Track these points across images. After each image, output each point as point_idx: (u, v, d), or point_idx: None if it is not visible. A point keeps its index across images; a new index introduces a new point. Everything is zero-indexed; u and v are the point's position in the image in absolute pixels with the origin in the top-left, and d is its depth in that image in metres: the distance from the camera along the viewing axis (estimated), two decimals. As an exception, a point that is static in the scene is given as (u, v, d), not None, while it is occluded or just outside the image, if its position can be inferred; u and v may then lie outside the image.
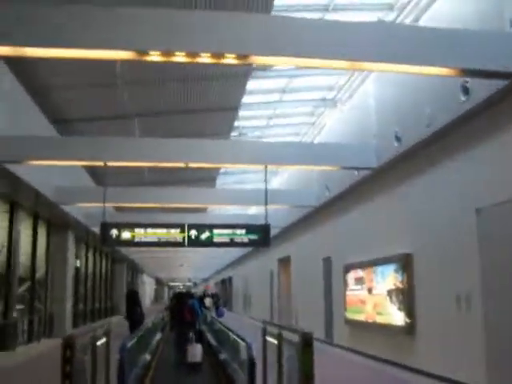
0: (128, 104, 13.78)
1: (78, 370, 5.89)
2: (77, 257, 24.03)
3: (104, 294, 31.90)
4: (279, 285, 24.71)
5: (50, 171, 14.21)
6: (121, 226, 11.26)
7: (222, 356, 11.86)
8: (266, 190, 11.56)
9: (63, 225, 19.38)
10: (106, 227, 11.10)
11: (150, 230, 11.37)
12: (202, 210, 22.18)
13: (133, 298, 17.73)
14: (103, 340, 7.52)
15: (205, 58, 6.35)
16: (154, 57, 6.20)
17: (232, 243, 11.74)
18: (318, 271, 17.35)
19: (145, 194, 15.49)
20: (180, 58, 6.30)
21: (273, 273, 26.22)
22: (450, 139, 9.25)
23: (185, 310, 14.61)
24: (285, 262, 23.61)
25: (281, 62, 7.44)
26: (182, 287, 79.32)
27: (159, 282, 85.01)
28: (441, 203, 9.71)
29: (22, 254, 16.62)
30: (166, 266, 52.81)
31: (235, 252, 35.03)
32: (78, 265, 24.30)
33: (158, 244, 11.60)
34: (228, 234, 11.58)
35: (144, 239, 11.35)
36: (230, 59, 6.36)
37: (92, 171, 17.73)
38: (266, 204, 11.26)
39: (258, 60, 6.70)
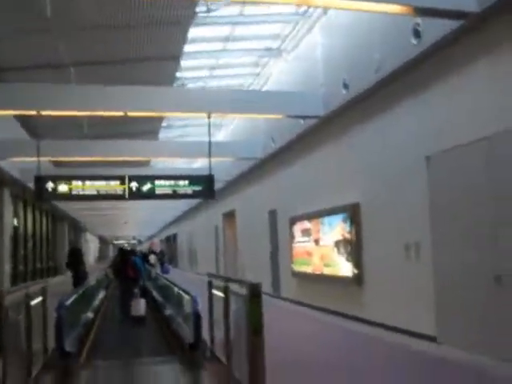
0: (63, 52, 12.96)
1: (11, 330, 5.46)
2: (15, 215, 23.10)
3: (45, 254, 31.00)
4: (224, 240, 24.48)
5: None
6: (57, 179, 10.60)
7: (167, 312, 11.57)
8: (210, 140, 11.09)
9: (-3, 181, 18.48)
10: (40, 180, 10.43)
11: (88, 183, 10.72)
12: (145, 164, 21.53)
13: (76, 256, 18.17)
14: (39, 299, 7.07)
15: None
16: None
17: (175, 195, 11.21)
18: (264, 225, 17.13)
19: (84, 148, 14.82)
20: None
21: (218, 228, 25.94)
22: (399, 85, 8.97)
23: (128, 266, 14.86)
24: (230, 216, 23.33)
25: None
26: (126, 245, 78.61)
27: (103, 241, 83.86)
28: (390, 151, 9.49)
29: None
30: (109, 223, 51.96)
31: (179, 208, 34.54)
32: (17, 224, 23.36)
33: (97, 197, 10.97)
34: (171, 186, 11.05)
35: (82, 192, 10.71)
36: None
37: (26, 124, 16.84)
38: (209, 154, 10.79)
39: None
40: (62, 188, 10.52)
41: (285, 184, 15.27)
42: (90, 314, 11.50)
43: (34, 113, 10.18)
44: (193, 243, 35.80)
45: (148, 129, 20.45)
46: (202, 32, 15.16)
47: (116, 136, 18.74)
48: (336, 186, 11.69)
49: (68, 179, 10.66)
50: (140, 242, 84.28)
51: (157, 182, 10.98)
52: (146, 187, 10.86)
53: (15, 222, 22.97)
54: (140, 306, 13.07)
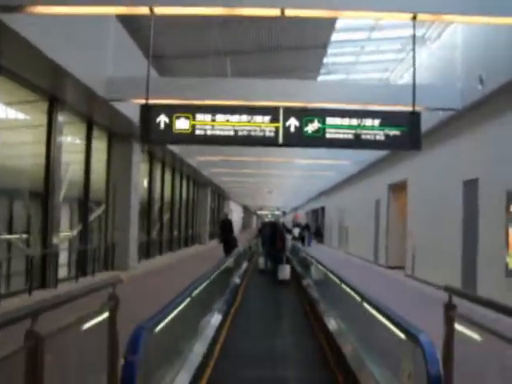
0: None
1: None
2: (150, 177, 20.39)
3: (184, 221, 28.46)
4: (388, 217, 20.19)
5: (100, 59, 10.92)
6: (173, 110, 6.85)
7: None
8: (414, 54, 6.94)
9: (126, 135, 15.55)
10: (148, 111, 6.76)
11: (220, 117, 6.88)
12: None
13: (227, 225, 20.58)
14: (101, 318, 3.46)
15: None
16: None
17: (357, 142, 6.92)
18: (455, 200, 12.79)
19: (225, 87, 11.22)
20: None
21: (380, 202, 21.68)
22: None
23: (277, 237, 18.21)
24: (398, 188, 19.05)
25: None
26: (270, 216, 76.55)
27: (247, 210, 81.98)
28: None
29: (70, 170, 12.93)
30: (253, 192, 49.08)
31: (330, 177, 30.44)
32: (152, 186, 20.66)
33: (234, 140, 6.92)
34: (351, 127, 6.83)
35: (211, 132, 6.86)
36: None
37: (158, 62, 13.61)
38: (413, 76, 6.66)
39: None
40: (181, 124, 6.75)
41: (496, 142, 10.80)
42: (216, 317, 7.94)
43: (145, 10, 6.61)
44: (344, 219, 31.64)
45: (307, 64, 16.99)
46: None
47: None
48: None
49: (190, 111, 6.87)
50: (284, 213, 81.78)
51: (329, 120, 6.81)
52: (312, 127, 6.75)
53: (148, 182, 20.24)
54: (286, 271, 16.52)
